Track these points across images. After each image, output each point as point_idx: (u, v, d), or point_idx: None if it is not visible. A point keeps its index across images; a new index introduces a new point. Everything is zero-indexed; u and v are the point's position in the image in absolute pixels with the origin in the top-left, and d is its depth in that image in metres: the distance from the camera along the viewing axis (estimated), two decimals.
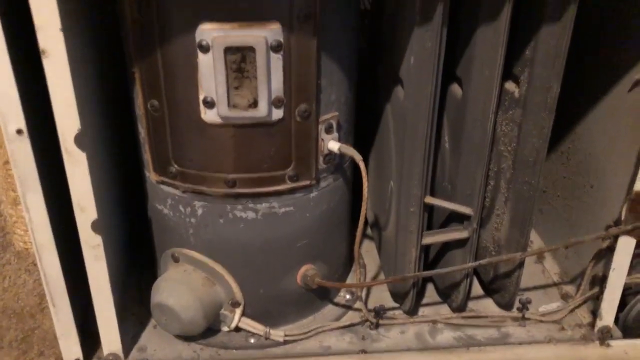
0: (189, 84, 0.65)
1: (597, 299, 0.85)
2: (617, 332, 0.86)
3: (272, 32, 0.62)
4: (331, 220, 0.82)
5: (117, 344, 0.77)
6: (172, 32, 0.63)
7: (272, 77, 0.65)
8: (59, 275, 0.70)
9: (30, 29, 0.57)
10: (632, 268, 0.83)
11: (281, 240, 0.77)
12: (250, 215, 0.74)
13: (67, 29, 0.58)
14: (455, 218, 0.81)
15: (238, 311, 0.80)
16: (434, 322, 0.86)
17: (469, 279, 0.83)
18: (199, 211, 0.75)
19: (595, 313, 0.85)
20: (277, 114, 0.68)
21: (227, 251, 0.77)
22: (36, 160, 0.64)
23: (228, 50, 0.62)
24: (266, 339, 0.81)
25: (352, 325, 0.85)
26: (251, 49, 0.62)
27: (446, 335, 0.85)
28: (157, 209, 0.78)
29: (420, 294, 0.90)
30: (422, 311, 0.88)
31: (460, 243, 0.81)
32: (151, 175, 0.75)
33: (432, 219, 0.86)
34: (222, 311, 0.80)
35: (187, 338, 0.81)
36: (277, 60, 0.64)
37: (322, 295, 0.86)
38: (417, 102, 0.69)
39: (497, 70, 0.68)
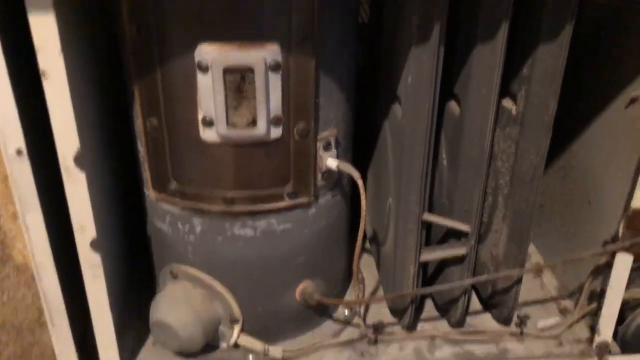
0: (188, 103, 0.66)
1: (595, 314, 0.85)
2: (615, 347, 0.86)
3: (270, 52, 0.63)
4: (330, 236, 0.82)
5: None
6: (171, 52, 0.63)
7: (270, 97, 0.65)
8: (58, 295, 0.70)
9: (29, 49, 0.58)
10: (630, 282, 0.83)
11: (280, 257, 0.77)
12: (249, 232, 0.74)
13: (67, 50, 0.58)
14: (454, 234, 0.81)
15: (237, 328, 0.80)
16: (433, 337, 0.86)
17: (467, 295, 0.84)
18: (198, 228, 0.75)
19: (593, 328, 0.85)
20: (276, 132, 0.68)
21: (226, 268, 0.77)
22: (35, 180, 0.64)
23: (227, 71, 0.63)
24: (265, 355, 0.81)
25: (350, 341, 0.85)
26: (250, 69, 0.63)
27: (445, 351, 0.85)
28: (156, 226, 0.79)
29: (419, 309, 0.90)
30: (421, 326, 0.89)
31: (459, 259, 0.81)
32: (150, 193, 0.76)
33: (431, 234, 0.86)
34: (221, 328, 0.80)
35: (186, 355, 0.81)
36: (275, 80, 0.65)
37: (321, 311, 0.86)
38: (414, 120, 0.70)
39: (494, 89, 0.68)
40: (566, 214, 0.94)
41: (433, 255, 0.80)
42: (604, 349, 0.84)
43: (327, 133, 0.73)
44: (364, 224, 0.73)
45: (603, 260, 0.82)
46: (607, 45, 0.80)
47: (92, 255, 0.69)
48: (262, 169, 0.70)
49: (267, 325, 0.82)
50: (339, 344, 0.85)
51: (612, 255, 0.79)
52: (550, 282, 0.98)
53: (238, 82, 0.64)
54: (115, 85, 0.75)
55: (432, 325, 0.89)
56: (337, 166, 0.73)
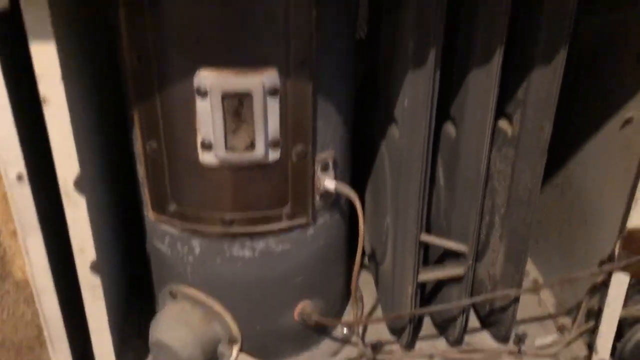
0: (187, 127, 0.66)
1: (593, 332, 0.86)
2: None
3: (268, 77, 0.64)
4: (328, 255, 0.82)
5: None
6: (170, 78, 0.64)
7: (268, 120, 0.66)
8: (58, 318, 0.70)
9: (30, 74, 0.58)
10: (628, 298, 0.84)
11: (278, 278, 0.78)
12: (248, 253, 0.75)
13: (67, 77, 0.59)
14: (451, 253, 0.81)
15: (235, 347, 0.80)
16: (431, 356, 0.86)
17: (465, 314, 0.84)
18: (197, 249, 0.75)
19: (591, 346, 0.86)
20: (274, 155, 0.69)
21: (225, 288, 0.77)
22: (36, 204, 0.65)
23: (225, 96, 0.63)
24: None
25: None
26: (248, 94, 0.64)
27: None
28: (156, 247, 0.79)
29: (418, 327, 0.91)
30: (419, 345, 0.89)
31: (457, 279, 0.81)
32: (150, 214, 0.76)
33: (429, 253, 0.87)
34: (220, 347, 0.80)
35: None
36: (273, 104, 0.65)
37: (320, 330, 0.87)
38: (411, 142, 0.70)
39: (489, 112, 0.69)
40: (563, 232, 0.94)
41: (431, 275, 0.80)
42: None
43: (325, 155, 0.73)
44: (362, 245, 0.73)
45: (600, 278, 0.83)
46: (601, 68, 0.81)
47: (92, 277, 0.70)
48: (260, 191, 0.71)
49: (266, 345, 0.82)
50: None
51: (609, 274, 0.79)
52: (548, 300, 0.98)
53: (236, 107, 0.65)
54: (115, 108, 0.75)
55: (431, 343, 0.89)
56: (335, 187, 0.74)
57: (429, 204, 0.80)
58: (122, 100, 0.73)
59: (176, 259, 0.77)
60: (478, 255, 0.83)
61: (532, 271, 1.04)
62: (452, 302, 0.83)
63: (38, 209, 0.65)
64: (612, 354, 0.86)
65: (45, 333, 0.72)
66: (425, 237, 0.77)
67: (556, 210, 0.96)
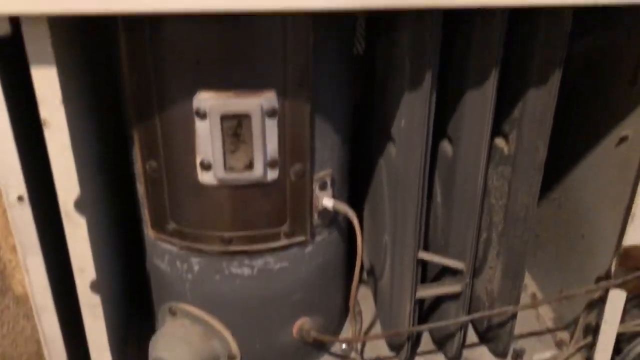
0: (186, 147, 0.67)
1: (591, 348, 0.86)
2: None
3: (267, 99, 0.64)
4: (327, 272, 0.83)
5: None
6: (170, 99, 0.65)
7: (267, 141, 0.67)
8: (58, 337, 0.71)
9: (29, 96, 0.59)
10: (626, 313, 0.84)
11: (277, 295, 0.78)
12: (246, 271, 0.75)
13: (67, 99, 0.60)
14: (449, 270, 0.82)
15: None
16: None
17: (463, 330, 0.84)
18: (196, 267, 0.76)
19: None
20: (272, 174, 0.69)
21: (224, 306, 0.78)
22: (36, 225, 0.65)
23: (224, 117, 0.64)
24: None
25: None
26: (247, 116, 0.64)
27: None
28: (155, 264, 0.80)
29: (416, 343, 0.91)
30: None
31: (454, 295, 0.82)
32: (149, 232, 0.77)
33: (427, 269, 0.87)
34: None
35: None
36: (272, 124, 0.66)
37: (319, 346, 0.87)
38: (408, 162, 0.71)
39: (485, 131, 0.70)
40: (561, 246, 0.95)
41: (429, 292, 0.81)
42: None
43: (323, 174, 0.74)
44: (360, 263, 0.74)
45: (597, 295, 0.83)
46: (595, 87, 0.81)
47: (92, 296, 0.70)
48: (259, 210, 0.71)
49: None
50: None
51: (606, 290, 0.80)
52: (546, 314, 0.98)
53: (235, 128, 0.65)
54: (115, 128, 0.76)
55: (430, 359, 0.89)
56: (333, 206, 0.74)
57: (427, 222, 0.81)
58: (122, 120, 0.73)
59: (175, 277, 0.78)
60: (476, 272, 0.84)
61: (530, 285, 1.04)
62: (450, 318, 0.83)
63: (38, 229, 0.66)
64: None
65: (45, 351, 0.73)
66: (423, 255, 0.78)
67: (554, 225, 0.97)
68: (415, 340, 0.90)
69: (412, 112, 0.68)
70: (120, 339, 0.81)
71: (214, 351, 0.79)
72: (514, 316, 0.84)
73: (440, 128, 0.76)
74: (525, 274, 0.82)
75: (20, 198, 0.63)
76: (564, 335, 0.94)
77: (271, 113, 0.65)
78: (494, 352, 0.90)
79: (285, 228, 0.74)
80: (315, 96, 0.67)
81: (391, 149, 0.77)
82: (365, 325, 0.96)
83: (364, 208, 0.96)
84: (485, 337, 0.90)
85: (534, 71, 0.67)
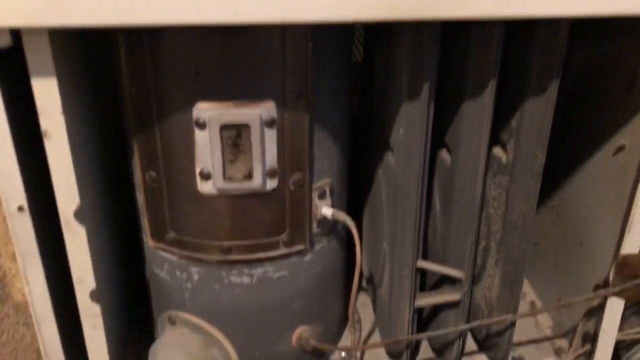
0: (185, 157, 0.68)
1: (589, 355, 0.86)
2: None
3: (266, 109, 0.65)
4: (326, 281, 0.83)
5: None
6: (170, 110, 0.65)
7: (266, 151, 0.67)
8: (58, 346, 0.71)
9: (30, 107, 0.59)
10: (624, 320, 0.84)
11: (276, 304, 0.79)
12: (246, 280, 0.76)
13: (67, 110, 0.60)
14: (448, 278, 0.82)
15: None
16: None
17: (462, 338, 0.85)
18: (195, 276, 0.76)
19: None
20: (272, 184, 0.70)
21: (223, 315, 0.78)
22: (36, 234, 0.65)
23: (224, 127, 0.64)
24: None
25: None
26: (246, 126, 0.65)
27: None
28: (155, 273, 0.80)
29: (415, 351, 0.91)
30: None
31: (453, 304, 0.82)
32: (149, 241, 0.77)
33: (426, 278, 0.88)
34: None
35: None
36: (271, 134, 0.67)
37: (318, 354, 0.87)
38: (407, 171, 0.71)
39: (483, 141, 0.70)
40: (559, 254, 0.95)
41: (428, 300, 0.81)
42: None
43: (322, 182, 0.74)
44: (359, 272, 0.74)
45: (595, 302, 0.83)
46: (593, 96, 0.82)
47: (92, 306, 0.70)
48: (258, 219, 0.72)
49: None
50: None
51: (604, 298, 0.80)
52: (545, 322, 0.99)
53: (234, 138, 0.66)
54: (115, 138, 0.77)
55: None
56: (332, 215, 0.74)
57: (425, 230, 0.81)
58: (122, 130, 0.74)
59: (175, 286, 0.78)
60: (474, 280, 0.84)
61: (529, 293, 1.05)
62: (449, 326, 0.83)
63: (38, 238, 0.66)
64: None
65: None
66: (422, 264, 0.78)
67: (552, 232, 0.97)
68: (415, 348, 0.90)
69: (410, 122, 0.68)
70: (119, 347, 0.82)
71: None
72: (512, 324, 0.84)
73: (438, 137, 0.77)
74: (523, 282, 0.83)
75: (20, 208, 0.63)
76: (562, 342, 0.94)
77: (270, 123, 0.66)
78: None
79: (284, 237, 0.74)
80: (314, 106, 0.67)
81: (390, 158, 0.77)
82: (365, 333, 0.96)
83: (363, 216, 0.96)
84: (484, 345, 0.90)
85: (532, 81, 0.67)
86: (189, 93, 0.64)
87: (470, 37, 0.67)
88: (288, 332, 0.81)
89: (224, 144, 0.65)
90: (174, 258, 0.76)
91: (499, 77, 0.67)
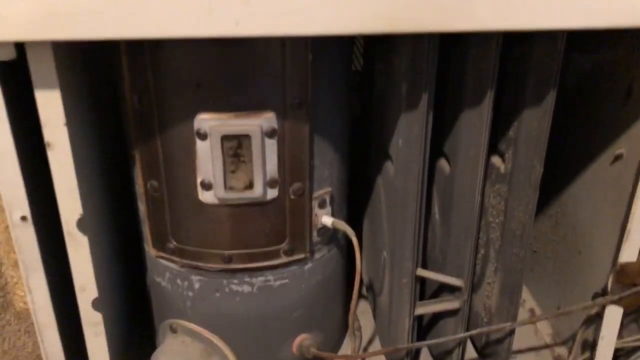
0: (187, 167, 0.68)
1: None
2: None
3: (266, 120, 0.65)
4: (326, 289, 0.83)
5: None
6: (171, 120, 0.66)
7: (267, 161, 0.68)
8: (60, 354, 0.71)
9: (33, 117, 0.60)
10: (623, 327, 0.85)
11: (277, 312, 0.79)
12: (246, 288, 0.76)
13: (70, 122, 0.61)
14: (447, 287, 0.83)
15: None
16: None
17: (461, 346, 0.85)
18: (196, 285, 0.77)
19: None
20: (272, 193, 0.70)
21: (224, 323, 0.79)
22: (39, 244, 0.66)
23: (225, 138, 0.65)
24: None
25: None
26: (247, 136, 0.65)
27: None
28: (156, 281, 0.80)
29: (415, 358, 0.91)
30: None
31: (453, 312, 0.82)
32: (150, 250, 0.78)
33: (425, 286, 0.88)
34: None
35: None
36: (271, 145, 0.67)
37: None
38: (406, 180, 0.72)
39: (482, 150, 0.71)
40: (558, 261, 0.96)
41: (427, 308, 0.82)
42: None
43: (322, 192, 0.75)
44: (359, 280, 0.74)
45: (594, 310, 0.84)
46: (590, 106, 0.83)
47: (93, 314, 0.71)
48: (259, 229, 0.72)
49: None
50: None
51: (603, 306, 0.81)
52: (544, 329, 0.99)
53: (235, 148, 0.66)
54: (117, 147, 0.77)
55: None
56: (332, 223, 0.75)
57: (425, 239, 0.82)
58: (123, 140, 0.75)
59: (176, 294, 0.78)
60: (474, 288, 0.84)
61: (528, 300, 1.05)
62: (449, 334, 0.84)
63: (41, 248, 0.67)
64: None
65: None
66: (422, 272, 0.78)
67: (551, 240, 0.98)
68: (414, 356, 0.90)
69: (409, 132, 0.69)
70: (121, 355, 0.82)
71: None
72: (512, 332, 0.84)
73: (437, 146, 0.78)
74: (522, 290, 0.83)
75: (23, 218, 0.64)
76: (562, 350, 0.94)
77: (271, 133, 0.66)
78: None
79: (284, 246, 0.74)
80: (314, 115, 0.68)
81: (389, 167, 0.78)
82: (365, 341, 0.96)
83: (363, 224, 0.97)
84: (484, 352, 0.91)
85: (529, 91, 0.68)
86: (190, 104, 0.65)
87: (469, 48, 0.68)
88: (289, 340, 0.82)
89: (225, 155, 0.66)
90: (175, 267, 0.77)
91: (497, 87, 0.68)
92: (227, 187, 0.68)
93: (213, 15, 0.53)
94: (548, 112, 0.69)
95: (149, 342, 0.89)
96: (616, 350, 0.85)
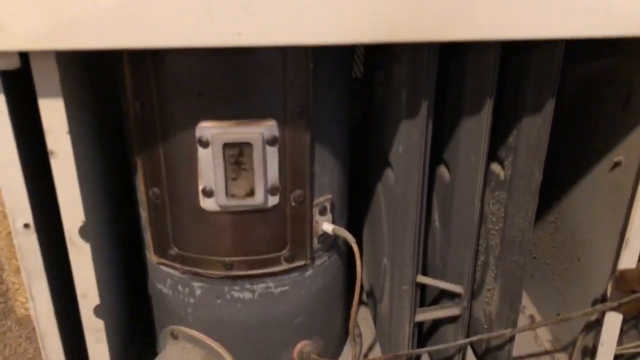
0: (188, 175, 0.69)
1: None
2: None
3: (268, 128, 0.66)
4: (327, 295, 0.84)
5: None
6: (173, 128, 0.66)
7: (268, 168, 0.68)
8: None
9: (37, 128, 0.61)
10: (623, 334, 0.85)
11: (277, 319, 0.79)
12: (247, 295, 0.77)
13: (73, 130, 0.61)
14: (448, 293, 0.83)
15: None
16: None
17: (462, 353, 0.85)
18: (198, 292, 0.77)
19: None
20: (273, 200, 0.71)
21: (225, 330, 0.79)
22: (41, 251, 0.66)
23: (226, 146, 0.66)
24: None
25: None
26: (248, 144, 0.66)
27: None
28: (157, 288, 0.81)
29: None
30: None
31: (453, 318, 0.83)
32: (152, 257, 0.78)
33: (425, 292, 0.88)
34: None
35: None
36: (272, 152, 0.68)
37: None
38: (406, 188, 0.72)
39: (481, 158, 0.71)
40: (557, 268, 0.96)
41: (428, 315, 0.82)
42: None
43: (323, 199, 0.75)
44: (360, 287, 0.75)
45: (594, 317, 0.84)
46: (589, 113, 0.83)
47: (95, 321, 0.71)
48: (260, 235, 0.73)
49: None
50: None
51: (603, 312, 0.81)
52: (544, 336, 0.99)
53: (237, 156, 0.67)
54: (119, 155, 0.78)
55: None
56: (333, 230, 0.75)
57: (425, 246, 0.82)
58: (125, 147, 0.75)
59: (177, 301, 0.79)
60: (474, 294, 0.85)
61: (528, 306, 1.05)
62: (449, 341, 0.84)
63: (43, 255, 0.67)
64: None
65: None
66: (422, 279, 0.79)
67: (550, 247, 0.98)
68: None
69: (409, 139, 0.69)
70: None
71: None
72: (512, 338, 0.84)
73: (437, 153, 0.78)
74: (522, 296, 0.83)
75: (26, 225, 0.64)
76: (562, 357, 0.94)
77: (272, 141, 0.67)
78: None
79: (285, 253, 0.75)
80: (315, 123, 0.68)
81: (389, 174, 0.79)
82: (365, 347, 0.97)
83: (364, 231, 0.97)
84: (484, 359, 0.91)
85: (529, 98, 0.69)
86: (192, 112, 0.65)
87: (468, 56, 0.68)
88: (289, 347, 0.82)
89: (226, 162, 0.67)
90: (176, 273, 0.77)
91: (496, 95, 0.69)
92: (229, 194, 0.68)
93: (215, 25, 0.54)
94: (547, 119, 0.69)
95: (150, 349, 0.89)
96: (616, 357, 0.86)
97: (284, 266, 0.75)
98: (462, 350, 0.85)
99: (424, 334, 0.92)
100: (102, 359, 0.74)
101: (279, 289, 0.77)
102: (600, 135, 0.80)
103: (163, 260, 0.76)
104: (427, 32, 0.57)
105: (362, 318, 1.02)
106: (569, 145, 0.88)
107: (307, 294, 0.80)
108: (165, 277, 0.78)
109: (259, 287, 0.76)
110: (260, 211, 0.71)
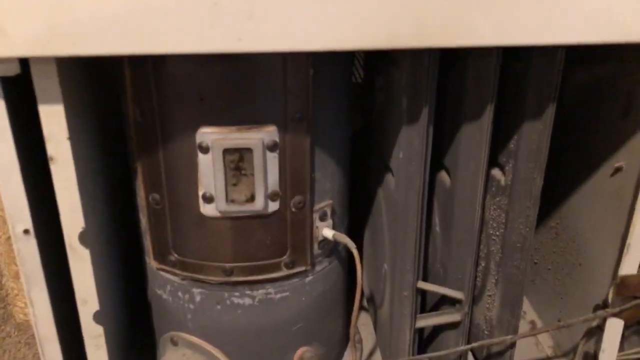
0: (188, 180, 0.69)
1: None
2: None
3: (268, 133, 0.66)
4: (327, 301, 0.83)
5: None
6: (173, 134, 0.66)
7: (268, 174, 0.68)
8: None
9: (37, 134, 0.61)
10: (624, 339, 0.85)
11: (278, 325, 0.79)
12: (247, 301, 0.76)
13: (73, 136, 0.61)
14: (448, 299, 0.83)
15: None
16: None
17: (462, 359, 0.85)
18: (197, 298, 0.77)
19: None
20: (273, 206, 0.70)
21: (225, 336, 0.79)
22: (41, 257, 0.66)
23: (227, 151, 0.66)
24: None
25: None
26: (248, 150, 0.66)
27: None
28: (157, 294, 0.80)
29: None
30: None
31: (454, 324, 0.82)
32: (151, 262, 0.78)
33: (426, 298, 0.88)
34: None
35: None
36: (273, 158, 0.68)
37: None
38: (406, 194, 0.72)
39: (482, 163, 0.71)
40: (558, 273, 0.96)
41: (428, 321, 0.82)
42: None
43: (323, 204, 0.75)
44: (360, 293, 0.75)
45: (595, 323, 0.84)
46: (590, 119, 0.83)
47: (95, 327, 0.71)
48: (260, 241, 0.73)
49: None
50: None
51: (604, 319, 0.81)
52: (545, 342, 0.99)
53: (237, 162, 0.67)
54: (119, 160, 0.78)
55: None
56: (333, 236, 0.75)
57: (426, 251, 0.82)
58: (125, 153, 0.75)
59: (177, 307, 0.78)
60: (475, 300, 0.84)
61: (529, 312, 1.05)
62: (450, 347, 0.84)
63: (43, 261, 0.67)
64: None
65: None
66: (422, 285, 0.78)
67: (551, 252, 0.98)
68: None
69: (409, 145, 0.69)
70: None
71: None
72: (513, 344, 0.84)
73: (437, 159, 0.78)
74: (523, 302, 0.83)
75: (26, 231, 0.64)
76: None
77: (272, 147, 0.67)
78: None
79: (285, 259, 0.75)
80: (315, 129, 0.68)
81: (390, 180, 0.78)
82: (366, 353, 0.96)
83: (364, 236, 0.97)
84: None
85: (529, 104, 0.69)
86: (192, 118, 0.65)
87: (469, 62, 0.68)
88: (289, 353, 0.81)
89: (226, 168, 0.66)
90: (176, 279, 0.77)
91: (497, 100, 0.69)
92: (229, 200, 0.68)
93: (216, 31, 0.54)
94: (548, 125, 0.69)
95: (150, 355, 0.89)
96: None
97: (284, 272, 0.75)
98: (463, 356, 0.85)
99: (425, 340, 0.92)
100: None
101: (279, 295, 0.77)
102: (601, 140, 0.80)
103: (163, 266, 0.76)
104: (427, 38, 0.57)
105: (363, 324, 1.02)
106: (569, 150, 0.88)
107: (308, 299, 0.80)
108: (165, 283, 0.78)
109: (259, 293, 0.76)
110: (261, 217, 0.71)
